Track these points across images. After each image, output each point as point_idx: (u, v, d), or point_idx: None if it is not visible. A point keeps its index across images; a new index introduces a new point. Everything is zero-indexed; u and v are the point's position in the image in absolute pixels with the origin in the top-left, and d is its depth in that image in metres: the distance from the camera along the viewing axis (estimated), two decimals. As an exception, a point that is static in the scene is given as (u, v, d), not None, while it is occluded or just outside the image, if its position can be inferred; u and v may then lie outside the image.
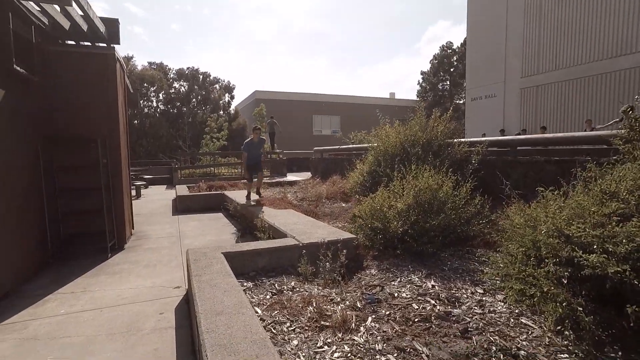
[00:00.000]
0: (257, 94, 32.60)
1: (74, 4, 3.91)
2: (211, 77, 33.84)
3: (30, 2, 3.87)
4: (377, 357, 1.88)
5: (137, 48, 76.97)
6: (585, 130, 8.83)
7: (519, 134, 13.12)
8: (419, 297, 2.61)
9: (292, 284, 3.02)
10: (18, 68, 3.72)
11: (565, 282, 2.09)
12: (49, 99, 4.59)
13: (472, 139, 5.67)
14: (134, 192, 10.61)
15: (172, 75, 34.11)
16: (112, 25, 5.23)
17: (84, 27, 4.69)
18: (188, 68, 33.97)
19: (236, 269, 3.23)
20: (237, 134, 31.06)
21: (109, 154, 4.91)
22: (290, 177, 13.82)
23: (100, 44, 5.28)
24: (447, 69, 33.16)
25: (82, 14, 4.33)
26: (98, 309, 3.04)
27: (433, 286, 2.80)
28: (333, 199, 7.58)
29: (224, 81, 34.30)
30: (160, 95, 32.51)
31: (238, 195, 7.61)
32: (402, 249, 3.41)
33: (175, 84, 34.38)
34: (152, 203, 9.43)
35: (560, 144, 4.79)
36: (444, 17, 79.90)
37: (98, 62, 4.93)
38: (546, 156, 4.86)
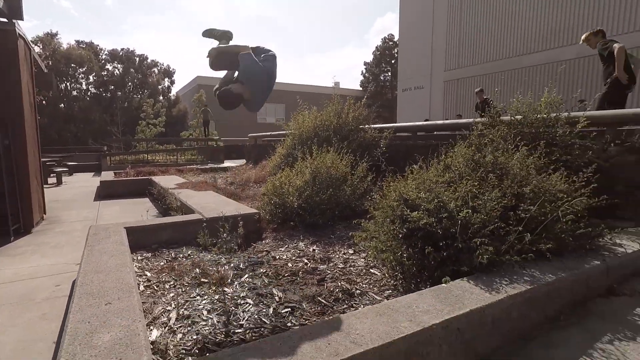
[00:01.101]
0: (199, 80, 31.51)
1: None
2: (149, 60, 32.07)
3: None
4: (239, 301, 2.24)
5: (64, 24, 69.80)
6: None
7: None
8: (297, 259, 3.01)
9: (189, 252, 3.29)
10: None
11: (402, 236, 2.59)
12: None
13: (380, 125, 6.24)
14: (54, 179, 10.06)
15: (104, 56, 31.79)
16: (13, -1, 4.96)
17: (-23, -1, 4.44)
18: (123, 49, 31.88)
19: (138, 242, 3.42)
20: (178, 120, 29.97)
21: (11, 135, 4.73)
22: (228, 163, 13.82)
23: (0, 19, 5.00)
24: (389, 60, 34.47)
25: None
26: (-9, 286, 3.07)
27: (314, 250, 3.22)
28: (261, 182, 7.84)
29: (162, 65, 32.70)
30: (91, 77, 30.23)
31: (163, 180, 7.60)
32: (298, 221, 3.81)
33: (109, 66, 32.11)
34: (73, 190, 9.03)
35: (445, 129, 5.49)
36: (392, 9, 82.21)
37: (-5, 38, 4.69)
38: (439, 140, 5.54)
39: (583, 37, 5.54)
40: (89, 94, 30.38)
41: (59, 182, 9.92)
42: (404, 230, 2.60)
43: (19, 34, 4.94)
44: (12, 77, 4.78)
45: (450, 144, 3.53)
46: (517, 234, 2.18)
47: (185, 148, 16.10)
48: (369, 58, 36.80)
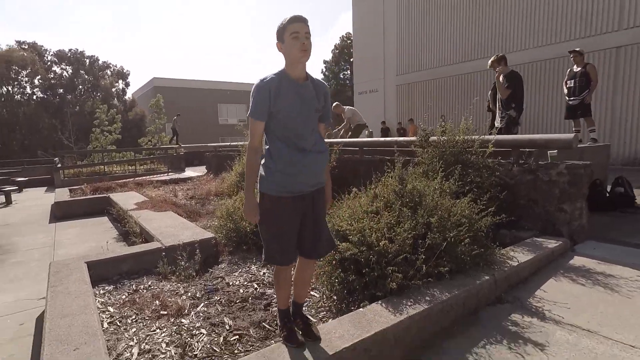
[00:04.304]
0: (155, 82, 30.59)
1: None
2: (100, 62, 30.61)
3: None
4: (194, 332, 2.59)
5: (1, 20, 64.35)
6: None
7: (398, 128, 15.09)
8: (248, 283, 3.39)
9: (150, 283, 3.57)
10: None
11: (335, 262, 3.03)
12: None
13: (330, 140, 6.69)
14: (2, 199, 9.73)
15: (50, 58, 29.99)
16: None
17: None
18: (70, 50, 30.22)
19: (100, 275, 3.66)
20: (134, 124, 28.99)
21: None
22: (189, 172, 13.83)
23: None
24: (347, 58, 35.07)
25: None
26: (-48, 329, 3.20)
27: (264, 273, 3.61)
28: (220, 195, 8.09)
29: (115, 66, 31.36)
30: (36, 80, 28.47)
31: (122, 198, 7.65)
32: (251, 244, 4.18)
33: (56, 68, 30.38)
34: (25, 210, 8.81)
35: (386, 146, 6.05)
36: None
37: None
38: (382, 155, 6.08)
39: (489, 62, 6.19)
40: (34, 98, 28.62)
41: (8, 202, 9.60)
42: (336, 257, 3.05)
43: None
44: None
45: (386, 164, 3.98)
46: (423, 260, 2.69)
47: (144, 158, 15.85)
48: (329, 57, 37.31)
